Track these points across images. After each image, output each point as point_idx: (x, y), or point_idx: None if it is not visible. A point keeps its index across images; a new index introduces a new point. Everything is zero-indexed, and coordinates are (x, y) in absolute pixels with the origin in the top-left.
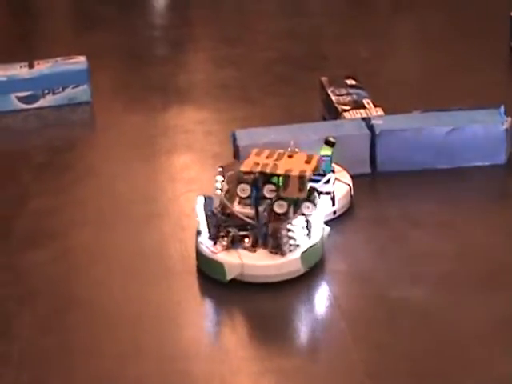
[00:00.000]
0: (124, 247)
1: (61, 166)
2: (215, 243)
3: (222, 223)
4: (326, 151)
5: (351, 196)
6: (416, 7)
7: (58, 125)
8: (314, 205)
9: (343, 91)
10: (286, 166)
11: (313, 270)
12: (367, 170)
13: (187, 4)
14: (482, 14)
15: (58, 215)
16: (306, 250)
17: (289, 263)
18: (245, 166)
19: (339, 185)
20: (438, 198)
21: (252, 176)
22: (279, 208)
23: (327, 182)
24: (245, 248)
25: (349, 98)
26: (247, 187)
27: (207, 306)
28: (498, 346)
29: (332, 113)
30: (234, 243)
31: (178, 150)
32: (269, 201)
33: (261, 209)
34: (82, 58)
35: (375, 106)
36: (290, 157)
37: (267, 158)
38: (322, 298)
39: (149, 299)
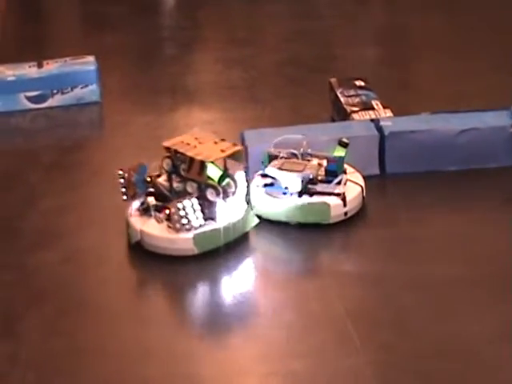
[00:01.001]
0: (132, 248)
1: (69, 166)
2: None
3: (147, 191)
4: (340, 152)
5: (363, 197)
6: (426, 10)
7: (66, 125)
8: (220, 193)
9: (352, 92)
10: (201, 149)
11: (320, 270)
12: (376, 171)
13: (196, 5)
14: (491, 17)
15: (66, 215)
16: (200, 233)
17: (180, 241)
18: (168, 142)
19: (351, 186)
20: (448, 200)
21: (171, 153)
22: (190, 188)
23: (339, 182)
24: (155, 217)
25: (358, 100)
26: (170, 162)
27: (214, 307)
28: (507, 350)
29: (341, 114)
30: (148, 211)
31: None
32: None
33: (176, 185)
34: (91, 58)
35: (384, 107)
36: (215, 143)
37: (196, 139)
38: (329, 298)
39: (156, 301)
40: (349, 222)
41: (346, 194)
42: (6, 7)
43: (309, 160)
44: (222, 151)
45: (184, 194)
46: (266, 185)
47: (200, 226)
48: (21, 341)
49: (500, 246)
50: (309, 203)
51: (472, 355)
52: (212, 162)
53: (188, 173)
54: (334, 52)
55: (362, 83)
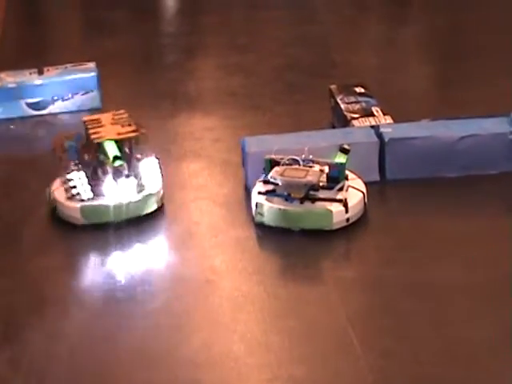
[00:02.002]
0: (131, 253)
1: None
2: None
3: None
4: (341, 158)
5: (365, 203)
6: (427, 16)
7: (67, 131)
8: (108, 172)
9: (352, 99)
10: (105, 130)
11: (321, 276)
12: (376, 177)
13: (197, 11)
14: (492, 22)
15: (66, 222)
16: (88, 205)
17: (68, 208)
18: (86, 117)
19: (353, 192)
20: (448, 206)
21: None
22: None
23: (341, 189)
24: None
25: (358, 106)
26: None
27: (215, 313)
28: (508, 357)
29: (341, 120)
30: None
31: (187, 156)
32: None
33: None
34: (92, 65)
35: (384, 114)
36: (121, 126)
37: (113, 119)
38: (329, 303)
39: (156, 305)
40: (350, 228)
41: (347, 200)
42: (6, 13)
43: (310, 166)
44: (118, 134)
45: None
46: (267, 191)
47: (88, 198)
48: (23, 346)
49: (500, 252)
50: (311, 210)
51: (472, 361)
52: (116, 142)
53: (85, 149)
54: (334, 58)
55: (363, 90)
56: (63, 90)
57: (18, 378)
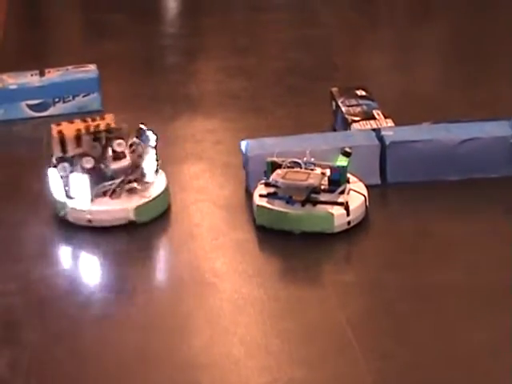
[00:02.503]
0: (132, 255)
1: None
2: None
3: None
4: (343, 161)
5: (366, 206)
6: (428, 19)
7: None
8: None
9: (353, 102)
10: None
11: (321, 279)
12: (377, 181)
13: (198, 13)
14: (494, 24)
15: (68, 223)
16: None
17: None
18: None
19: (354, 195)
20: (449, 210)
21: None
22: None
23: (342, 192)
24: None
25: (359, 109)
26: None
27: (215, 316)
28: (509, 360)
29: (342, 123)
30: None
31: (188, 159)
32: None
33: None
34: (93, 67)
35: (385, 117)
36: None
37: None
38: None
39: (156, 307)
40: (351, 231)
41: (349, 203)
42: (7, 15)
43: (312, 169)
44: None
45: None
46: (269, 194)
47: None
48: (23, 348)
49: (501, 255)
50: (312, 212)
51: (472, 364)
52: None
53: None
54: (336, 60)
55: (364, 93)
56: (64, 92)
57: (18, 379)
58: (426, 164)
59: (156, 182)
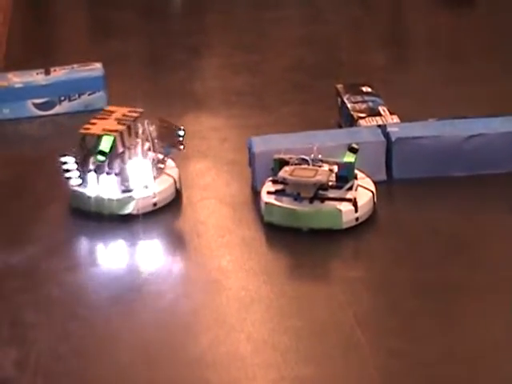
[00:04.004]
0: (139, 254)
1: None
2: None
3: None
4: (350, 158)
5: (374, 203)
6: (433, 14)
7: (73, 131)
8: (86, 164)
9: (359, 98)
10: (102, 124)
11: (330, 275)
12: (383, 177)
13: (203, 10)
14: (500, 20)
15: (73, 222)
16: (75, 190)
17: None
18: (112, 106)
19: (362, 191)
20: (456, 206)
21: None
22: None
23: (350, 188)
24: None
25: (364, 106)
26: None
27: (221, 313)
28: None
29: (348, 120)
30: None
31: (194, 156)
32: None
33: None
34: (98, 65)
35: (391, 113)
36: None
37: (125, 115)
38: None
39: (163, 306)
40: (358, 227)
41: (357, 199)
42: (13, 13)
43: (320, 166)
44: (102, 130)
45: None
46: (277, 191)
47: (77, 184)
48: (29, 346)
49: (508, 251)
50: (320, 209)
51: (480, 361)
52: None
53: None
54: (341, 57)
55: (369, 89)
56: (70, 90)
57: (25, 377)
58: (431, 160)
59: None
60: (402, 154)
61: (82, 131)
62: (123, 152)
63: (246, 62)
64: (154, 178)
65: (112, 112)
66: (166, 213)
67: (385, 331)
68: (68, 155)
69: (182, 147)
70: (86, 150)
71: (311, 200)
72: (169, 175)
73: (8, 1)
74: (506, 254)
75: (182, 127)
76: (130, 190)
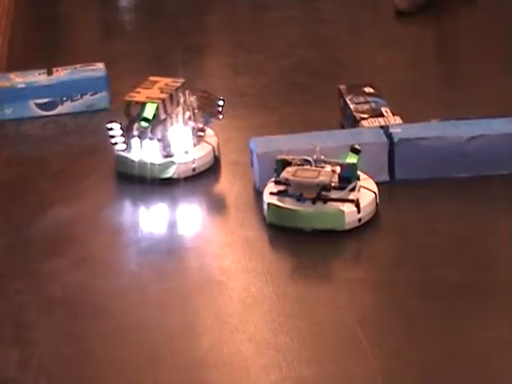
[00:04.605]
0: (142, 254)
1: (79, 173)
2: None
3: None
4: (352, 159)
5: (376, 204)
6: (434, 15)
7: (76, 132)
8: (131, 129)
9: (361, 99)
10: (146, 93)
11: (332, 276)
12: (385, 178)
13: (205, 11)
14: (504, 19)
15: (76, 222)
16: (120, 155)
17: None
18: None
19: (365, 192)
20: (458, 207)
21: None
22: None
23: (353, 189)
24: None
25: (367, 106)
26: None
27: (224, 314)
28: None
29: (350, 121)
30: None
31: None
32: None
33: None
34: (101, 65)
35: (393, 114)
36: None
37: (167, 85)
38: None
39: (166, 307)
40: (361, 228)
41: (360, 200)
42: (15, 13)
43: (322, 167)
44: (146, 98)
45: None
46: (279, 192)
47: (122, 149)
48: (31, 347)
49: (510, 252)
50: (323, 210)
51: (482, 362)
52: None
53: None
54: (342, 58)
55: (372, 90)
56: (72, 91)
57: (27, 378)
58: (434, 161)
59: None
60: (404, 154)
61: (127, 99)
62: (165, 119)
63: (249, 62)
64: (194, 144)
65: (155, 82)
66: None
67: (387, 332)
68: (114, 122)
69: (221, 117)
70: (130, 117)
71: (314, 201)
72: (208, 143)
73: (10, 1)
74: (509, 255)
75: (221, 97)
76: (171, 156)
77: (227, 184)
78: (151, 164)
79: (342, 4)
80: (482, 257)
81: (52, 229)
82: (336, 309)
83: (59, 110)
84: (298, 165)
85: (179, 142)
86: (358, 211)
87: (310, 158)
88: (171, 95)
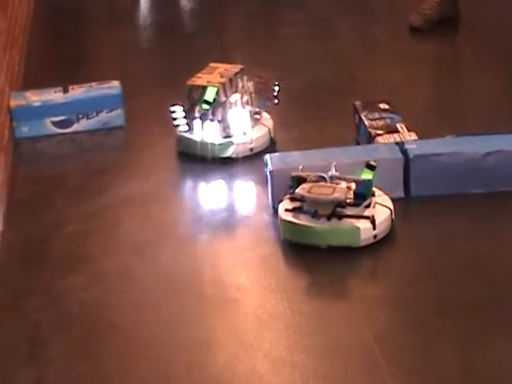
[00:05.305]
0: (157, 272)
1: (95, 190)
2: None
3: None
4: (368, 175)
5: (392, 220)
6: (449, 32)
7: (91, 149)
8: (194, 111)
9: (376, 115)
10: (207, 78)
11: (348, 293)
12: (401, 194)
13: (221, 29)
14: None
15: (92, 239)
16: (181, 136)
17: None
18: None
19: (380, 208)
20: (473, 223)
21: None
22: None
23: (368, 205)
24: None
25: (382, 123)
26: None
27: (239, 331)
28: None
29: (365, 137)
30: None
31: (211, 172)
32: None
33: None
34: (116, 83)
35: (409, 130)
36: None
37: (226, 70)
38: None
39: (181, 323)
40: (376, 245)
41: (375, 216)
42: (31, 31)
43: (337, 183)
44: (207, 82)
45: None
46: (294, 208)
47: (184, 131)
48: (47, 365)
49: None
50: (338, 227)
51: (499, 379)
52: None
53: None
54: (358, 74)
55: (387, 106)
56: (88, 108)
57: None
58: (449, 177)
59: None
60: (419, 170)
61: (190, 83)
62: (225, 102)
63: None
64: (251, 126)
65: (215, 68)
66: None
67: (403, 349)
68: (177, 105)
69: (276, 101)
70: (192, 100)
71: (329, 217)
72: (264, 125)
73: (26, 19)
74: None
75: (277, 83)
76: (230, 136)
77: (241, 201)
78: (212, 144)
79: (357, 21)
80: (498, 273)
81: (68, 246)
82: (352, 326)
83: (75, 127)
84: (313, 181)
85: (238, 124)
86: (374, 228)
87: (325, 175)
88: (230, 80)
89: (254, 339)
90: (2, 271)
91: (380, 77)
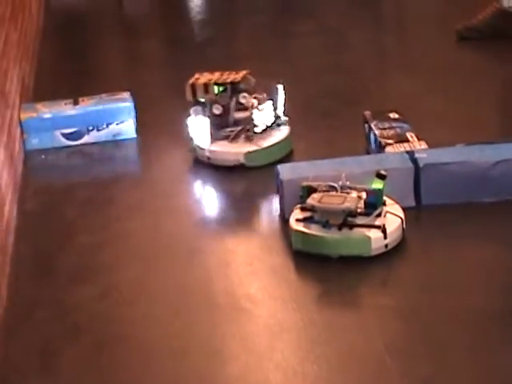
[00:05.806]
0: (168, 283)
1: (105, 202)
2: None
3: None
4: (378, 184)
5: (403, 229)
6: (456, 41)
7: (102, 161)
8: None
9: (386, 125)
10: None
11: (359, 303)
12: (412, 203)
13: (231, 40)
14: None
15: (102, 251)
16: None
17: None
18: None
19: (391, 218)
20: (484, 232)
21: None
22: None
23: (379, 215)
24: None
25: (392, 132)
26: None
27: (251, 342)
28: None
29: (375, 146)
30: None
31: (222, 183)
32: None
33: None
34: (127, 95)
35: (419, 139)
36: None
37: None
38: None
39: (193, 334)
40: (388, 254)
41: (386, 226)
42: (42, 44)
43: (348, 193)
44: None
45: None
46: (305, 218)
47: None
48: (58, 376)
49: None
50: (349, 236)
51: None
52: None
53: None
54: (367, 84)
55: (397, 115)
56: (98, 120)
57: None
58: (460, 186)
59: (275, 135)
60: (430, 179)
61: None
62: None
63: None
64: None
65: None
66: (195, 240)
67: (416, 359)
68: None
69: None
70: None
71: (340, 227)
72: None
73: (36, 32)
74: None
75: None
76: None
77: (252, 211)
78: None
79: (366, 31)
80: (510, 282)
81: (79, 257)
82: (364, 335)
83: (85, 139)
84: (324, 191)
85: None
86: (385, 237)
87: (335, 184)
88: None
89: (265, 350)
90: (13, 283)
91: (390, 86)
